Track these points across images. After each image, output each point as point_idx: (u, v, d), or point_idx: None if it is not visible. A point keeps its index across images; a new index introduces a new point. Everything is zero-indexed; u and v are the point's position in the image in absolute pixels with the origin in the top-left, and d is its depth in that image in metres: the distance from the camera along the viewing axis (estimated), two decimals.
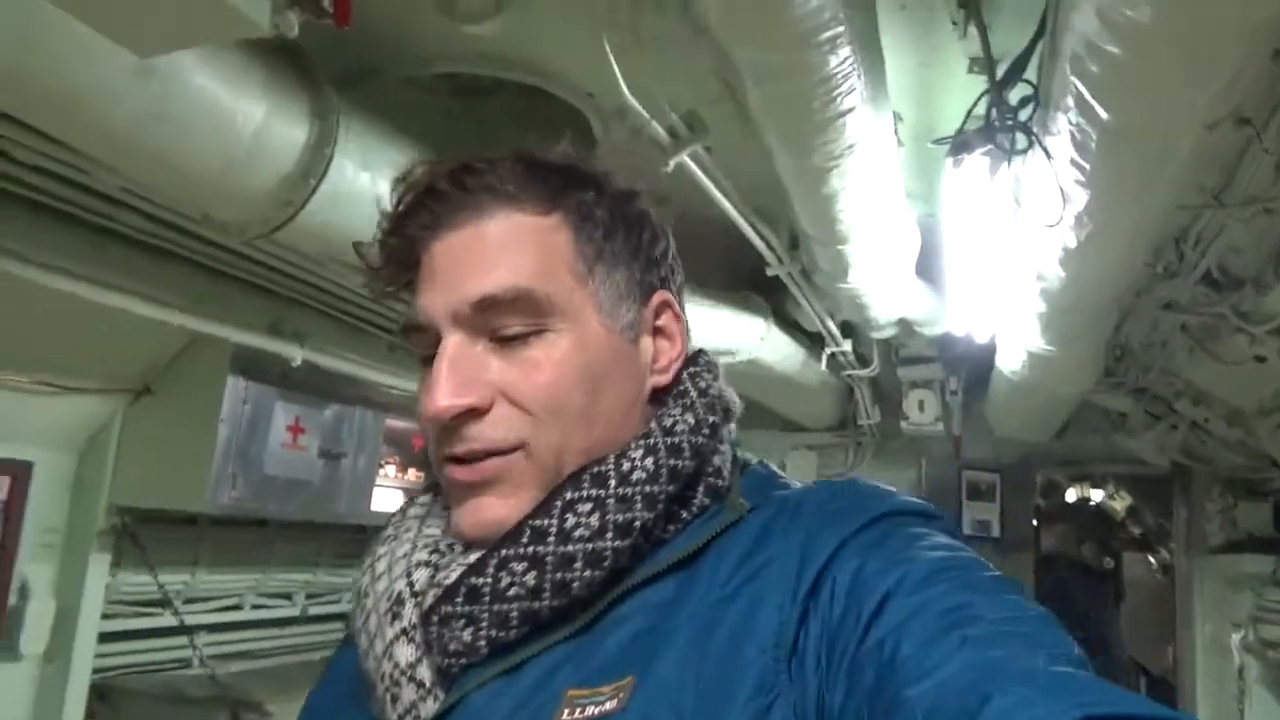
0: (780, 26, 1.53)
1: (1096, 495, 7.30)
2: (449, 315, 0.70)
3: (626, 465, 0.69)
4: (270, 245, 2.18)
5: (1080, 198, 1.80)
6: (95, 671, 2.92)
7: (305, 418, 3.11)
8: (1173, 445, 4.14)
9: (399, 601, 0.68)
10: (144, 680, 3.16)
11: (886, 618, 0.58)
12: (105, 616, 2.95)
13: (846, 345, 3.86)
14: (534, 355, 0.70)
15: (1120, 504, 7.23)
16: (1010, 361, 3.26)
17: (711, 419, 0.74)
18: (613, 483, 0.68)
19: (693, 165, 2.20)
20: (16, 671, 2.77)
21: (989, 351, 3.58)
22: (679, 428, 0.72)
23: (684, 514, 0.71)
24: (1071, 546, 8.04)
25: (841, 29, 1.60)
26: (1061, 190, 1.79)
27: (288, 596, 3.76)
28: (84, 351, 2.70)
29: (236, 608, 3.54)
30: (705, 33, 1.79)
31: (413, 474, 3.86)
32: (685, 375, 0.77)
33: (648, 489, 0.68)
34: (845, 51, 1.66)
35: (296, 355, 2.90)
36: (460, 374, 0.69)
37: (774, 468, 0.81)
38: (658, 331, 0.79)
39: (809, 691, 0.59)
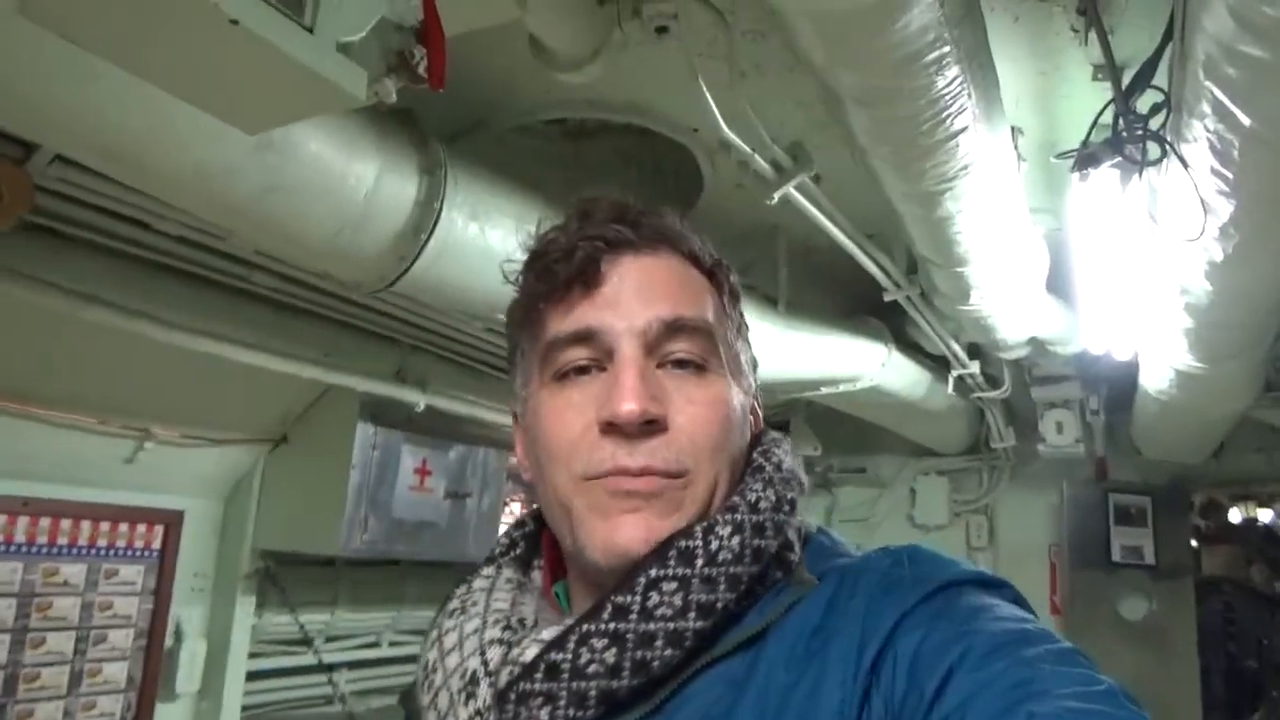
0: (880, 52, 1.48)
1: (1265, 515, 6.72)
2: (636, 330, 0.71)
3: (715, 544, 0.67)
4: (392, 296, 2.26)
5: (1224, 208, 1.66)
6: (244, 709, 3.05)
7: (431, 460, 3.20)
8: None
9: (473, 681, 0.68)
10: (289, 717, 3.28)
11: (950, 695, 0.56)
12: (252, 656, 3.08)
13: (974, 367, 3.70)
14: (701, 392, 0.72)
15: None
16: (1156, 380, 3.04)
17: (790, 495, 0.73)
18: (700, 562, 0.66)
19: (799, 196, 2.15)
20: (174, 710, 2.92)
21: (1131, 368, 3.36)
22: (762, 505, 0.70)
23: (758, 588, 0.69)
24: (1239, 569, 7.44)
25: (948, 49, 1.53)
26: (1203, 201, 1.66)
27: (422, 633, 3.83)
28: (228, 405, 2.85)
29: (374, 645, 3.64)
30: (806, 61, 1.75)
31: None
32: (757, 452, 0.76)
33: (733, 570, 0.67)
34: (953, 71, 1.59)
35: (420, 400, 2.99)
36: (647, 385, 0.69)
37: (835, 535, 0.78)
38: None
39: None
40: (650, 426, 0.69)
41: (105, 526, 2.70)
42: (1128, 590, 4.32)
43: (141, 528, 2.79)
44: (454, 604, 0.77)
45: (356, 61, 1.09)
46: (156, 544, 2.83)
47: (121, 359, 2.44)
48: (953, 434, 4.70)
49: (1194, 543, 5.37)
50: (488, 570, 0.80)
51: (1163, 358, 2.81)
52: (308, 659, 3.33)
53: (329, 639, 3.40)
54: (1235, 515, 6.82)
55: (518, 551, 0.82)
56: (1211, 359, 2.59)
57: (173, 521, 2.88)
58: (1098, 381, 4.17)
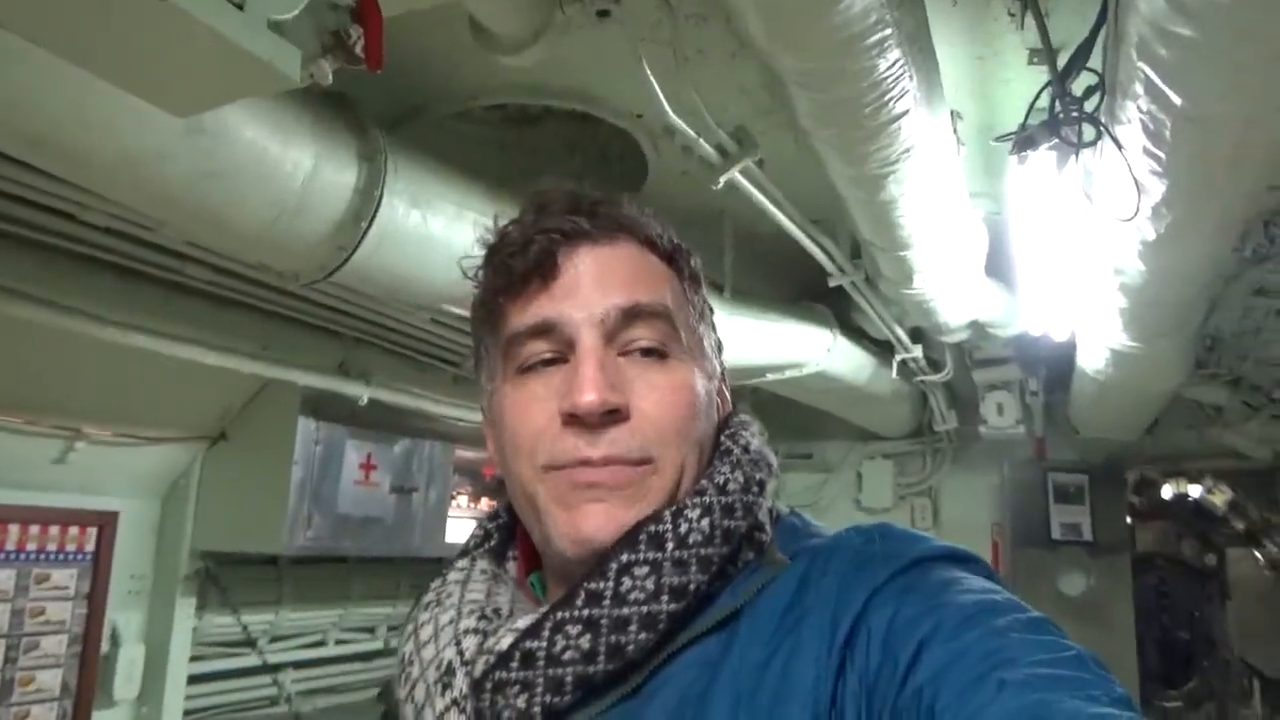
0: (824, 33, 1.48)
1: (1195, 490, 6.95)
2: (594, 319, 0.71)
3: (684, 527, 0.67)
4: (332, 287, 2.21)
5: (1157, 188, 1.70)
6: (186, 714, 2.97)
7: (376, 454, 3.15)
8: (1275, 436, 3.93)
9: (449, 671, 0.67)
10: None
11: (923, 666, 0.57)
12: (193, 659, 3.01)
13: (917, 351, 3.76)
14: (664, 378, 0.72)
15: (1220, 498, 6.88)
16: (1092, 360, 3.12)
17: (759, 476, 0.73)
18: (670, 545, 0.66)
19: (744, 181, 2.15)
20: (113, 717, 2.84)
21: (1069, 349, 3.44)
22: (731, 486, 0.70)
23: (730, 569, 0.69)
24: (1170, 544, 7.70)
25: (889, 31, 1.54)
26: (1136, 181, 1.69)
27: (370, 630, 3.80)
28: (162, 402, 2.77)
29: (320, 644, 3.58)
30: (749, 44, 1.75)
31: (485, 503, 3.87)
32: (724, 435, 0.77)
33: (703, 552, 0.67)
34: (895, 54, 1.60)
35: (363, 394, 2.93)
36: (608, 375, 0.69)
37: (807, 516, 0.78)
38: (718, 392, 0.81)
39: None
40: (612, 416, 0.68)
41: (35, 529, 2.60)
42: (1067, 566, 4.43)
43: (74, 530, 2.69)
44: (429, 597, 0.76)
45: (290, 40, 1.05)
46: (90, 546, 2.74)
47: (49, 356, 2.35)
48: (896, 418, 4.76)
49: (1128, 519, 5.54)
50: (462, 563, 0.79)
51: (1099, 337, 2.88)
52: (251, 660, 3.26)
53: (273, 639, 3.33)
54: (1167, 491, 7.05)
55: (492, 544, 0.81)
56: (1145, 337, 2.66)
57: (107, 523, 2.79)
58: (1036, 363, 4.26)
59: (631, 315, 0.71)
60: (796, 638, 0.63)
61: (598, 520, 0.68)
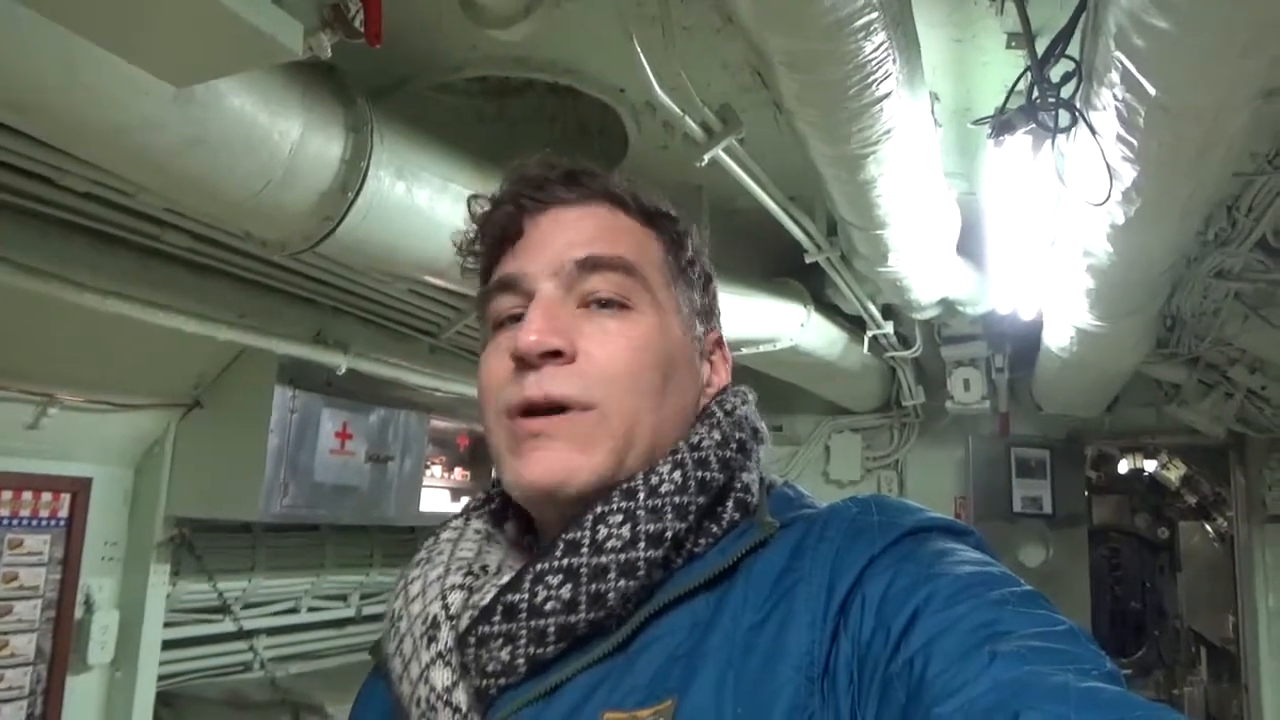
0: (813, 16, 1.50)
1: (1150, 465, 7.15)
2: (550, 271, 0.73)
3: (655, 479, 0.70)
4: (311, 256, 2.20)
5: (1128, 174, 1.75)
6: (160, 679, 2.99)
7: (352, 423, 3.15)
8: (1228, 414, 4.05)
9: (434, 625, 0.69)
10: (207, 686, 3.22)
11: (915, 636, 0.57)
12: (167, 625, 3.02)
13: (888, 327, 3.82)
14: (620, 326, 0.73)
15: (1174, 473, 7.09)
16: (1058, 338, 3.19)
17: (739, 435, 0.75)
18: (641, 495, 0.69)
19: (726, 158, 2.17)
20: (86, 682, 2.84)
21: (1035, 326, 3.52)
22: (704, 443, 0.73)
23: (714, 528, 0.71)
24: (1124, 517, 7.93)
25: (876, 14, 1.56)
26: (1109, 167, 1.74)
27: (343, 598, 3.82)
28: (137, 369, 2.75)
29: (294, 611, 3.60)
30: (736, 22, 1.76)
31: (459, 473, 3.89)
32: (714, 403, 0.79)
33: (677, 499, 0.69)
34: (880, 37, 1.62)
35: (341, 363, 2.93)
36: (553, 319, 0.71)
37: (801, 488, 0.80)
38: (710, 363, 0.83)
39: (841, 711, 0.59)
40: (555, 358, 0.70)
41: (7, 495, 2.59)
42: (1027, 538, 4.54)
43: (47, 496, 2.69)
44: (421, 555, 0.77)
45: (291, 14, 1.06)
46: (64, 512, 2.73)
47: (22, 321, 2.33)
48: (866, 392, 4.84)
49: (1085, 493, 5.69)
50: (456, 522, 0.81)
51: (1065, 317, 2.95)
52: (226, 626, 3.28)
53: (247, 605, 3.35)
54: (1123, 466, 7.24)
55: (492, 506, 0.82)
56: (1110, 317, 2.73)
57: (80, 489, 2.78)
58: (1002, 341, 4.34)
59: (588, 267, 0.73)
60: (791, 603, 0.63)
61: (541, 465, 0.70)
